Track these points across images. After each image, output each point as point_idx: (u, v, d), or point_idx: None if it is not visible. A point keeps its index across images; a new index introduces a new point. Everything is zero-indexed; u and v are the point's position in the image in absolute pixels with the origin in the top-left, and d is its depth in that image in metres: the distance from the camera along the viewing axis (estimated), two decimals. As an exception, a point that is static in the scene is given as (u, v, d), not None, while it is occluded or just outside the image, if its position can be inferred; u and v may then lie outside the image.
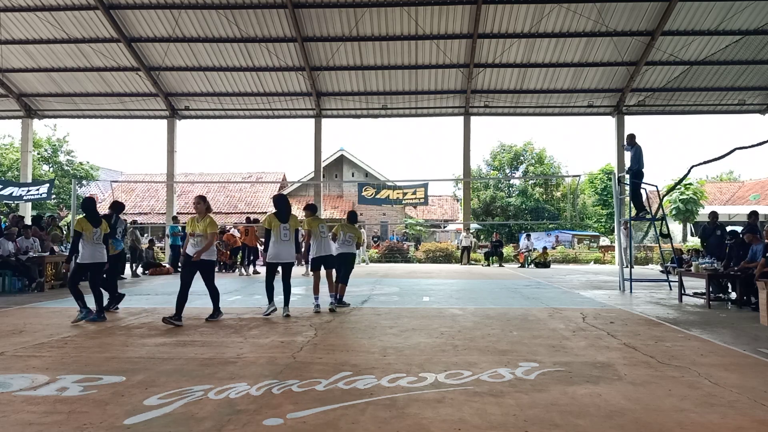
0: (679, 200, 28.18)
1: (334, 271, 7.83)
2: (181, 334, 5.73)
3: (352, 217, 8.51)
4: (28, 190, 15.21)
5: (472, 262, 21.41)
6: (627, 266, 10.96)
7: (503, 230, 30.69)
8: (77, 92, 21.19)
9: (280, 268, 7.08)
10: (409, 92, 20.84)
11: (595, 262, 22.85)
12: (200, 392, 3.59)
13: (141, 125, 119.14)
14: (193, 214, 6.65)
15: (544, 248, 21.38)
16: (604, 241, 28.70)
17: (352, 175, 32.66)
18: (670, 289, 10.58)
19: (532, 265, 19.73)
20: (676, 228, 28.77)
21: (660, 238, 12.64)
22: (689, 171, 12.26)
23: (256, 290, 10.53)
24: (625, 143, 11.44)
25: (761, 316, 6.65)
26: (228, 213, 30.75)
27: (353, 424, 3.03)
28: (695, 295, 8.98)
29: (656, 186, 12.22)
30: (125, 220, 8.20)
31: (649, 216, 11.89)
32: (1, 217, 16.39)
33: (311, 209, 8.17)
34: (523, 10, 17.35)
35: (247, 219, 17.42)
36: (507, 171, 34.88)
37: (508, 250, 23.10)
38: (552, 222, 29.56)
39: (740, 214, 24.17)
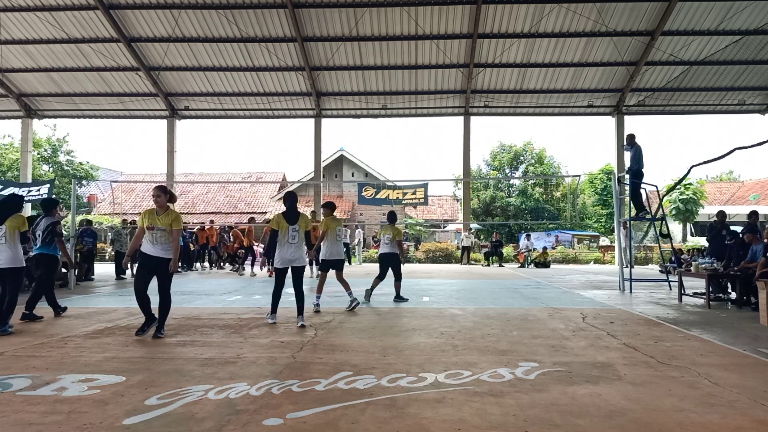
0: (679, 200, 28.19)
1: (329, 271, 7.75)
2: (181, 334, 5.73)
3: (392, 217, 8.80)
4: (29, 191, 15.19)
5: (472, 262, 21.42)
6: (627, 266, 10.96)
7: (503, 230, 30.70)
8: (77, 92, 21.21)
9: (290, 272, 6.39)
10: (409, 92, 20.85)
11: (595, 262, 22.85)
12: (200, 392, 3.59)
13: (141, 125, 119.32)
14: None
15: (544, 248, 21.39)
16: (604, 241, 28.71)
17: (352, 175, 32.63)
18: (670, 289, 10.58)
19: (532, 265, 19.73)
20: (676, 228, 28.78)
21: (660, 238, 12.63)
22: (689, 171, 12.25)
23: (256, 290, 10.53)
24: (625, 143, 11.44)
25: (761, 316, 6.65)
26: (228, 213, 30.74)
27: (353, 424, 3.03)
28: (695, 295, 8.98)
29: (656, 186, 12.23)
30: (57, 221, 7.11)
31: (648, 216, 11.89)
32: None
33: (330, 207, 7.74)
34: (523, 10, 17.36)
35: (250, 219, 17.79)
36: (507, 171, 34.89)
37: (508, 250, 23.11)
38: (552, 222, 29.57)
39: (740, 214, 24.16)
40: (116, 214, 28.15)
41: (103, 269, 16.03)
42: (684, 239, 28.74)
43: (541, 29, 18.00)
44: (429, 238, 33.28)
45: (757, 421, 3.10)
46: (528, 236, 21.36)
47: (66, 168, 30.21)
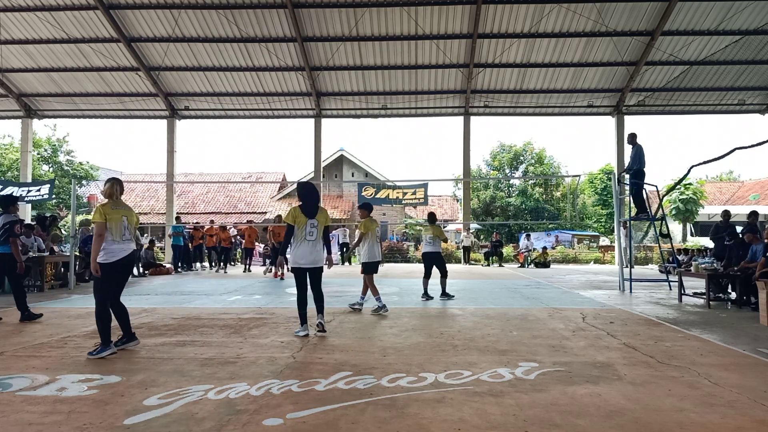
0: (679, 200, 28.22)
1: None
2: (181, 334, 5.73)
3: (432, 217, 8.96)
4: (29, 191, 15.18)
5: (472, 262, 21.42)
6: (627, 266, 10.95)
7: (503, 230, 30.70)
8: (77, 92, 21.19)
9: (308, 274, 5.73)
10: (409, 92, 20.84)
11: (594, 262, 22.85)
12: (200, 392, 3.59)
13: (141, 125, 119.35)
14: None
15: (544, 248, 21.39)
16: (604, 241, 28.72)
17: (352, 175, 32.64)
18: (670, 289, 10.58)
19: (532, 265, 19.73)
20: (675, 228, 28.80)
21: (660, 238, 12.63)
22: (689, 171, 12.26)
23: (256, 290, 10.53)
24: (626, 142, 11.40)
25: (761, 316, 6.65)
26: (228, 213, 30.75)
27: (353, 424, 3.03)
28: (695, 295, 8.98)
29: (656, 186, 12.22)
30: (15, 220, 6.79)
31: (647, 216, 11.87)
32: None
33: (368, 208, 7.49)
34: (523, 10, 17.36)
35: (249, 221, 17.87)
36: (507, 171, 34.89)
37: (508, 250, 23.11)
38: (552, 222, 29.58)
39: (740, 214, 24.16)
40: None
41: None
42: (684, 239, 28.75)
43: (541, 29, 18.00)
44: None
45: (757, 421, 3.09)
46: (528, 236, 21.36)
47: (66, 168, 30.19)
